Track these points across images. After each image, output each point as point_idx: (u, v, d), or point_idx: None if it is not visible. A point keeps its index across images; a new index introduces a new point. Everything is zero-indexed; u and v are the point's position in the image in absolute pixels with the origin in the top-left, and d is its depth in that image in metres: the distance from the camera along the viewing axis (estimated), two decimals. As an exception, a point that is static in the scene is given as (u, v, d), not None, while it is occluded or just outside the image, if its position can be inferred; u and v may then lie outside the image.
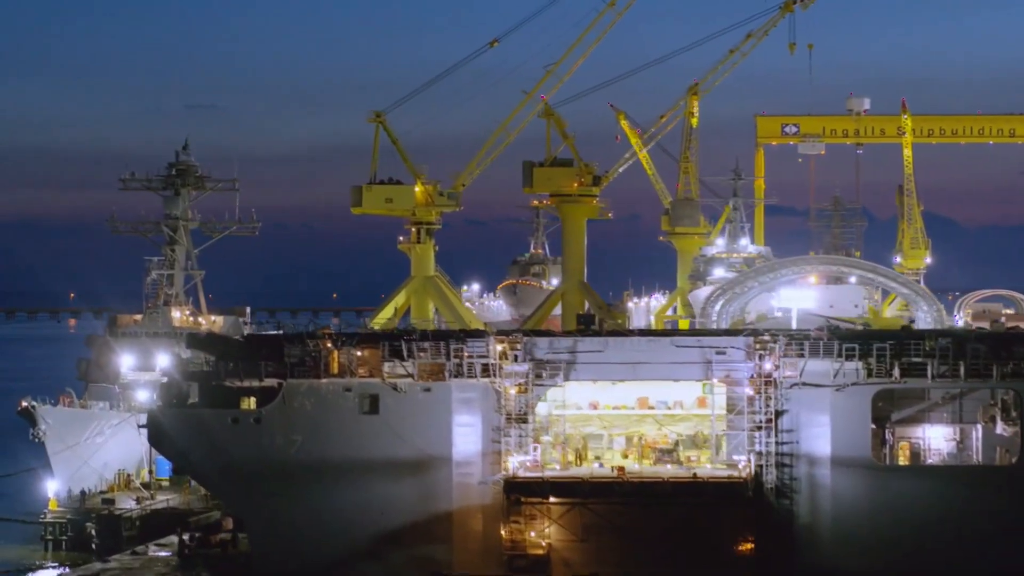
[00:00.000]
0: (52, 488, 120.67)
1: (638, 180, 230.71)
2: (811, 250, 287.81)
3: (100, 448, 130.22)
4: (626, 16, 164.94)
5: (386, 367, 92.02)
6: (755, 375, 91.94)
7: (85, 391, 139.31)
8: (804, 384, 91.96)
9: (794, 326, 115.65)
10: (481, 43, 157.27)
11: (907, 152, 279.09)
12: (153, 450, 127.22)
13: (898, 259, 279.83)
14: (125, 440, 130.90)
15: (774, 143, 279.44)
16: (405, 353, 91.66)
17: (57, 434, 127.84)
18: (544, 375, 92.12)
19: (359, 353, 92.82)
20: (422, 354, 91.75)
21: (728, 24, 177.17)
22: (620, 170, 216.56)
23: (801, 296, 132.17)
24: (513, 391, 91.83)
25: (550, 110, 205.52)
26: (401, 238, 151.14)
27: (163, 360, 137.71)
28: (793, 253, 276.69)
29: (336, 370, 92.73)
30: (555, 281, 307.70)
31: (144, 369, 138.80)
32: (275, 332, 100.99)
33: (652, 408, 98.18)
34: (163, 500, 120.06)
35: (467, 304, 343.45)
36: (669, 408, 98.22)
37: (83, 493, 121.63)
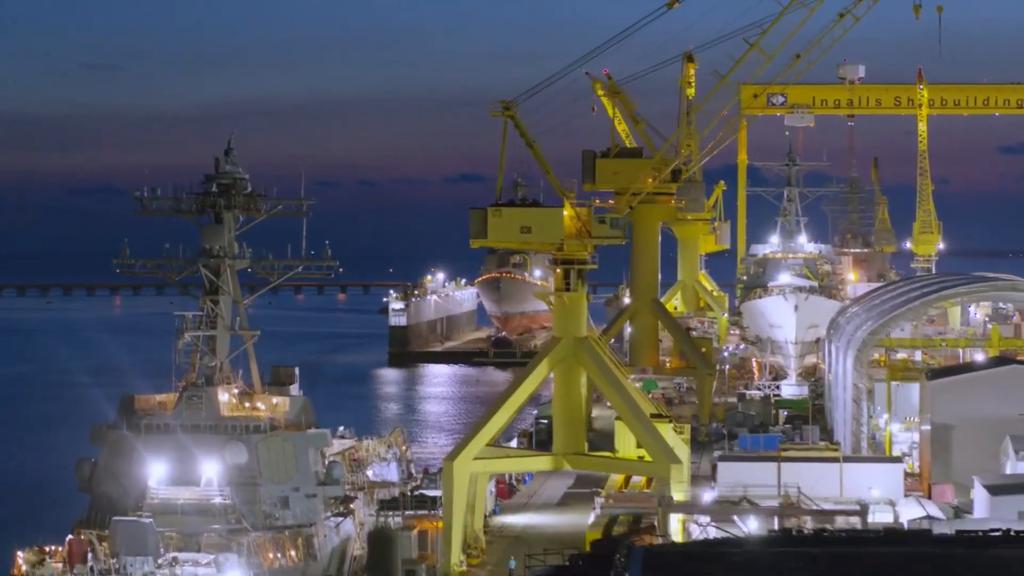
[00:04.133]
0: None
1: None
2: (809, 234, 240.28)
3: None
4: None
5: None
6: None
7: (95, 515, 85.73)
8: None
9: None
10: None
11: (922, 126, 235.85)
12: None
13: (907, 245, 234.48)
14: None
15: (759, 114, 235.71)
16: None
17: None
18: None
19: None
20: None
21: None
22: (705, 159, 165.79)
23: None
24: None
25: (615, 87, 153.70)
26: (541, 282, 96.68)
27: (210, 469, 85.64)
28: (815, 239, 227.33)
29: None
30: (537, 273, 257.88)
31: (182, 482, 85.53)
32: None
33: None
34: None
35: (432, 296, 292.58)
36: None
37: None
